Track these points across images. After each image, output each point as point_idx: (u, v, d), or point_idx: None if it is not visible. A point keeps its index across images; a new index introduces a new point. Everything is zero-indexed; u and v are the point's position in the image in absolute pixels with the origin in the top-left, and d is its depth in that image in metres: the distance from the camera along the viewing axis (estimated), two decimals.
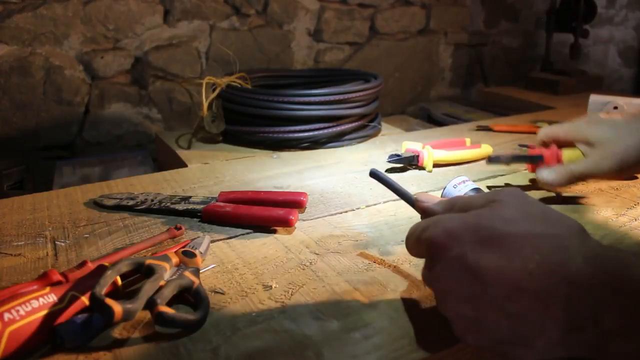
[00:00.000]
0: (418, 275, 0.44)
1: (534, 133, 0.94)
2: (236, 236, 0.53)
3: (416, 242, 0.37)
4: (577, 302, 0.29)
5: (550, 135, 0.62)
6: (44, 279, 0.39)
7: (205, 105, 0.88)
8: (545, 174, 0.57)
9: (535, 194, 0.63)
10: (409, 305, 0.40)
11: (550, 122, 0.97)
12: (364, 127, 0.92)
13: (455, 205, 0.38)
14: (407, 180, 0.70)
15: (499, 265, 0.31)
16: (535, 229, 0.32)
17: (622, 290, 0.28)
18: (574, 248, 0.30)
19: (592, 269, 0.29)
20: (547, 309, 0.29)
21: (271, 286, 0.43)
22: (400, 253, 0.48)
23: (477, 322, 0.32)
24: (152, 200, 0.60)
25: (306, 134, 0.85)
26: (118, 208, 0.59)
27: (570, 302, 0.29)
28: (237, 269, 0.46)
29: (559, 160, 0.60)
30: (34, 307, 0.34)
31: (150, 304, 0.37)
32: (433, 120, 1.30)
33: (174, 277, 0.40)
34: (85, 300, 0.37)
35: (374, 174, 0.47)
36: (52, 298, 0.35)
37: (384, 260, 0.47)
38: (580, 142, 0.58)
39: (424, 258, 0.37)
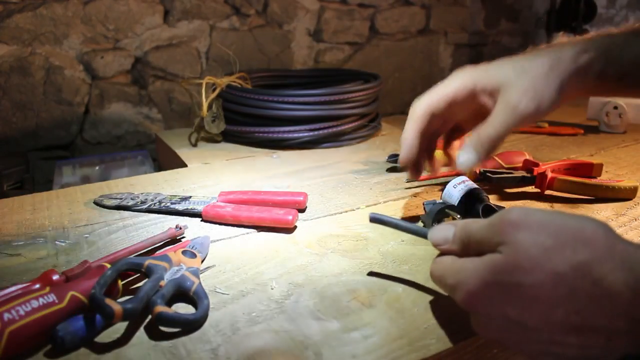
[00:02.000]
0: (418, 276, 0.44)
1: (535, 133, 0.94)
2: (236, 236, 0.53)
3: (445, 291, 0.36)
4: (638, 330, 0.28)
5: (434, 104, 0.49)
6: (44, 279, 0.39)
7: (205, 105, 0.88)
8: (465, 157, 0.46)
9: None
10: (409, 305, 0.40)
11: (550, 123, 0.97)
12: (364, 127, 0.92)
13: (469, 246, 0.35)
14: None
15: (543, 317, 0.29)
16: (558, 265, 0.29)
17: None
18: (613, 276, 0.28)
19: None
20: (609, 338, 0.29)
21: (271, 286, 0.43)
22: (400, 253, 0.48)
23: (546, 353, 0.31)
24: (152, 200, 0.60)
25: (306, 133, 0.85)
26: (118, 208, 0.59)
27: (635, 329, 0.28)
28: (237, 269, 0.46)
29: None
30: (34, 307, 0.34)
31: (150, 304, 0.37)
32: None
33: (174, 277, 0.40)
34: (85, 300, 0.37)
35: (374, 219, 0.43)
36: (52, 298, 0.35)
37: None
38: (481, 92, 0.47)
39: None
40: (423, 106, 0.49)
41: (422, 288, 0.42)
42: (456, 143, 0.56)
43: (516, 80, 0.45)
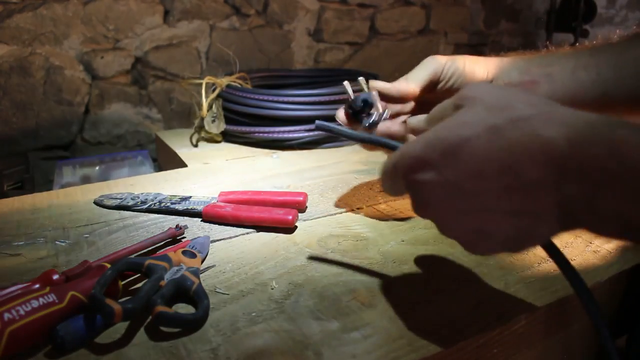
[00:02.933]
0: (418, 276, 0.44)
1: None
2: (236, 236, 0.53)
3: (391, 180, 0.36)
4: (568, 186, 0.28)
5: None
6: (44, 279, 0.39)
7: (205, 105, 0.88)
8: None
9: None
10: (409, 305, 0.40)
11: None
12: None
13: (434, 120, 0.36)
14: None
15: (477, 171, 0.30)
16: (497, 121, 0.30)
17: (618, 176, 0.26)
18: (552, 132, 0.28)
19: (580, 154, 0.27)
20: (538, 197, 0.29)
21: (271, 286, 0.43)
22: (400, 253, 0.48)
23: (480, 232, 0.31)
24: (152, 200, 0.60)
25: (306, 133, 0.85)
26: (118, 208, 0.59)
27: (560, 186, 0.28)
28: (237, 269, 0.46)
29: None
30: (34, 307, 0.34)
31: (150, 304, 0.37)
32: None
33: (174, 277, 0.40)
34: (85, 300, 0.37)
35: (320, 126, 0.44)
36: (52, 298, 0.35)
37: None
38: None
39: (403, 194, 0.36)
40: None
41: (423, 288, 0.42)
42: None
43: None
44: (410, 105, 0.56)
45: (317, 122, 0.44)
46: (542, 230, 0.30)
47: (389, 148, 0.41)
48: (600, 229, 0.29)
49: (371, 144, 0.43)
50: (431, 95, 0.53)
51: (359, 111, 0.52)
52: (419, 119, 0.41)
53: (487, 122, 0.30)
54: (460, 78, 0.51)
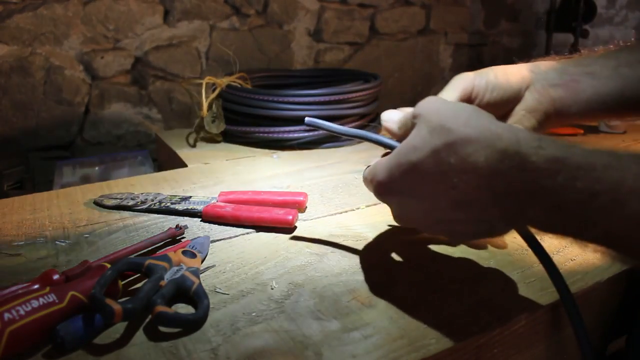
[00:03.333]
0: (418, 276, 0.44)
1: None
2: (236, 236, 0.53)
3: (368, 189, 0.42)
4: (502, 203, 0.33)
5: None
6: (44, 279, 0.39)
7: (205, 105, 0.88)
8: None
9: None
10: (409, 305, 0.40)
11: None
12: (364, 127, 0.92)
13: (402, 128, 0.41)
14: None
15: (431, 194, 0.35)
16: (437, 144, 0.34)
17: (534, 192, 0.31)
18: (478, 154, 0.32)
19: (501, 177, 0.32)
20: (484, 211, 0.34)
21: (271, 286, 0.43)
22: (400, 253, 0.48)
23: (450, 233, 0.38)
24: (152, 200, 0.60)
25: (306, 133, 0.85)
26: (118, 208, 0.59)
27: (497, 204, 0.33)
28: (237, 269, 0.46)
29: None
30: (34, 307, 0.34)
31: (150, 304, 0.37)
32: None
33: (174, 277, 0.40)
34: (85, 300, 0.37)
35: (310, 123, 0.45)
36: (52, 298, 0.35)
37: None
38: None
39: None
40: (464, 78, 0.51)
41: (423, 288, 0.42)
42: None
43: None
44: None
45: (307, 118, 0.45)
46: (499, 228, 0.36)
47: (380, 145, 0.43)
48: (544, 232, 0.34)
49: (363, 139, 0.45)
50: None
51: None
52: (393, 119, 0.43)
53: (430, 145, 0.34)
54: (496, 90, 0.48)
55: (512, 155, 0.31)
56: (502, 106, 0.48)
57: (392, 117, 0.42)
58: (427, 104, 0.37)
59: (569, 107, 0.47)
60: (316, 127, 0.45)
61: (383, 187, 0.38)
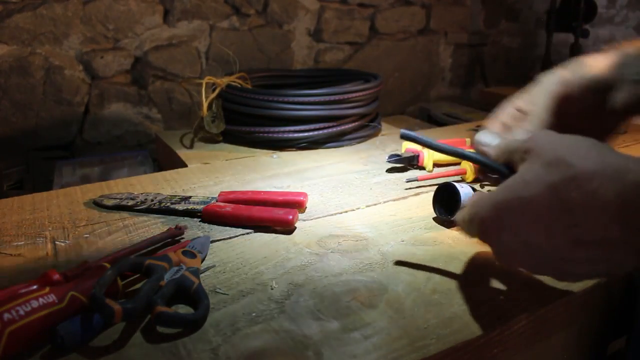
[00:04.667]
0: (418, 276, 0.44)
1: None
2: (236, 236, 0.52)
3: (468, 230, 0.38)
4: (636, 241, 0.29)
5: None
6: (44, 279, 0.39)
7: (205, 105, 0.88)
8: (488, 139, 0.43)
9: None
10: (409, 305, 0.40)
11: None
12: (364, 127, 0.92)
13: (504, 155, 0.38)
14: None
15: (547, 233, 0.32)
16: (553, 178, 0.31)
17: None
18: (607, 188, 0.29)
19: (636, 211, 0.29)
20: (608, 251, 0.30)
21: (271, 286, 0.43)
22: (400, 253, 0.48)
23: (562, 273, 0.34)
24: (152, 200, 0.60)
25: (306, 134, 0.85)
26: (118, 208, 0.59)
27: (630, 242, 0.29)
28: (237, 269, 0.46)
29: None
30: (34, 307, 0.34)
31: (150, 304, 0.37)
32: (433, 120, 1.30)
33: (174, 277, 0.40)
34: (85, 300, 0.37)
35: (405, 135, 0.43)
36: (52, 298, 0.35)
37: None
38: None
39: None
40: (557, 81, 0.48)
41: (422, 288, 0.42)
42: None
43: None
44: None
45: (402, 131, 0.43)
46: (625, 268, 0.32)
47: (486, 167, 0.41)
48: None
49: (464, 159, 0.42)
50: (561, 113, 0.47)
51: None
52: (490, 144, 0.40)
53: (546, 181, 0.31)
54: (589, 87, 0.45)
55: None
56: (591, 101, 0.46)
57: (489, 142, 0.40)
58: (540, 138, 0.35)
59: None
60: (412, 140, 0.43)
61: (489, 225, 0.35)
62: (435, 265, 0.46)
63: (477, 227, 0.36)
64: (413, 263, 0.46)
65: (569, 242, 0.31)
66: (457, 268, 0.46)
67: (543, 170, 0.32)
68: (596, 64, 0.46)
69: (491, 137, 0.40)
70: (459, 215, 0.39)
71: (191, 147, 0.89)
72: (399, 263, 0.47)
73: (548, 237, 0.32)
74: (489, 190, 0.48)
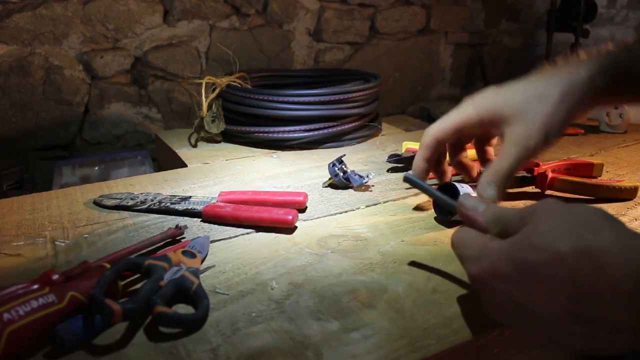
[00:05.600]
0: (418, 276, 0.44)
1: None
2: (236, 236, 0.52)
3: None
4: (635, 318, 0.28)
5: (441, 134, 0.51)
6: (43, 279, 0.39)
7: (205, 105, 0.88)
8: (490, 194, 0.45)
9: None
10: (409, 305, 0.40)
11: None
12: (364, 127, 0.91)
13: (496, 224, 0.36)
14: None
15: (547, 301, 0.30)
16: (563, 248, 0.29)
17: None
18: (618, 267, 0.28)
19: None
20: (613, 330, 0.29)
21: (271, 286, 0.43)
22: (400, 253, 0.48)
23: (550, 341, 0.32)
24: (152, 200, 0.60)
25: (306, 134, 0.85)
26: (118, 208, 0.59)
27: (631, 327, 0.28)
28: (237, 269, 0.46)
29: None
30: (34, 307, 0.34)
31: (150, 304, 0.36)
32: (433, 120, 1.29)
33: (173, 277, 0.40)
34: (85, 300, 0.37)
35: (407, 179, 0.48)
36: (52, 298, 0.35)
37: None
38: (488, 125, 0.47)
39: None
40: (431, 135, 0.52)
41: (422, 288, 0.42)
42: (464, 154, 0.56)
43: (526, 113, 0.45)
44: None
45: (406, 175, 0.49)
46: (618, 349, 0.30)
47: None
48: None
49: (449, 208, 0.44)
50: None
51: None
52: (476, 209, 0.39)
53: (554, 248, 0.30)
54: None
55: None
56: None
57: (475, 206, 0.39)
58: (546, 204, 0.33)
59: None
60: (413, 185, 0.48)
61: (485, 276, 0.34)
62: (435, 265, 0.46)
63: (475, 272, 0.35)
64: (413, 263, 0.46)
65: (568, 314, 0.29)
66: (457, 268, 0.46)
67: (551, 236, 0.30)
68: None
69: (476, 202, 0.39)
70: (458, 239, 0.38)
71: (191, 147, 0.89)
72: (399, 263, 0.47)
73: (547, 304, 0.30)
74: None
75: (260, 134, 0.86)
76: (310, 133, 0.85)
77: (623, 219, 0.56)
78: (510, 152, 0.45)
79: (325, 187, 0.67)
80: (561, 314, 0.30)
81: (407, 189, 0.66)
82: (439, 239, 0.51)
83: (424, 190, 0.47)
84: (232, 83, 0.91)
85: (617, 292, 0.28)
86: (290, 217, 0.53)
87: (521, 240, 0.32)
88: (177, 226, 0.51)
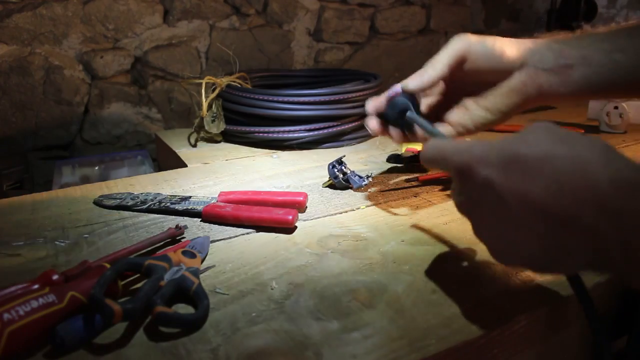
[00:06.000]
0: (418, 276, 0.44)
1: None
2: (236, 236, 0.52)
3: (441, 162, 0.38)
4: (605, 226, 0.28)
5: (423, 84, 0.53)
6: (43, 279, 0.39)
7: (205, 105, 0.88)
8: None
9: None
10: (409, 305, 0.40)
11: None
12: (364, 127, 0.91)
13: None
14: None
15: (523, 186, 0.31)
16: (555, 150, 0.31)
17: None
18: (599, 171, 0.29)
19: (621, 194, 0.28)
20: (573, 232, 0.30)
21: (271, 286, 0.43)
22: (400, 253, 0.48)
23: (510, 244, 0.33)
24: (152, 200, 0.60)
25: (306, 133, 0.85)
26: (118, 208, 0.59)
27: (597, 226, 0.28)
28: (237, 269, 0.46)
29: None
30: (34, 307, 0.34)
31: (150, 304, 0.36)
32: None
33: (173, 277, 0.40)
34: (85, 300, 0.37)
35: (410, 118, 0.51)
36: (52, 298, 0.35)
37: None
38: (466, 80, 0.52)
39: (443, 172, 0.40)
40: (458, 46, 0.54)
41: (422, 288, 0.42)
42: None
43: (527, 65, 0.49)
44: (440, 86, 0.57)
45: (409, 113, 0.51)
46: (570, 262, 0.31)
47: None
48: (631, 277, 0.29)
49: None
50: (460, 74, 0.53)
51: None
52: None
53: (547, 146, 0.31)
54: (489, 59, 0.51)
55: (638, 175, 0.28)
56: (489, 76, 0.51)
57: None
58: (541, 123, 0.35)
59: (556, 91, 0.48)
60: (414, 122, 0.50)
61: (472, 162, 0.34)
62: (435, 265, 0.46)
63: (468, 159, 0.35)
64: (412, 263, 0.46)
65: (542, 211, 0.30)
66: (457, 268, 0.46)
67: (545, 140, 0.32)
68: (506, 45, 0.51)
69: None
70: (431, 149, 0.39)
71: (191, 147, 0.89)
72: (399, 263, 0.47)
73: (523, 195, 0.31)
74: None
75: (260, 134, 0.86)
76: (310, 133, 0.85)
77: None
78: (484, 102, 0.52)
79: (325, 187, 0.67)
80: (533, 210, 0.30)
81: (406, 188, 0.66)
82: (439, 239, 0.51)
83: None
84: (232, 83, 0.91)
85: (596, 194, 0.28)
86: (290, 217, 0.53)
87: (516, 137, 0.33)
88: (177, 226, 0.51)
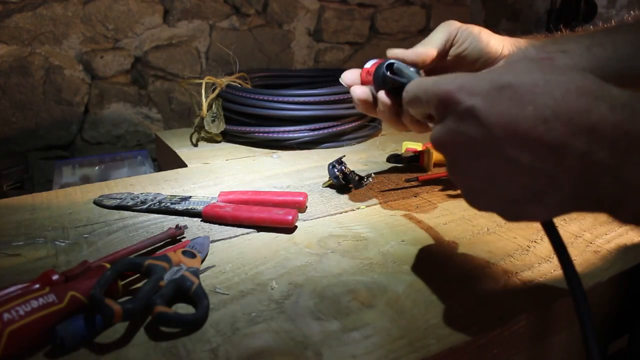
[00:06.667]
0: (418, 276, 0.44)
1: None
2: (236, 236, 0.52)
3: (423, 97, 0.36)
4: (597, 153, 0.27)
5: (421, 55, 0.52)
6: (43, 279, 0.39)
7: (205, 105, 0.88)
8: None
9: None
10: (409, 305, 0.40)
11: None
12: (364, 127, 0.91)
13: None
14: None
15: (511, 114, 0.29)
16: (547, 77, 0.29)
17: None
18: (596, 97, 0.28)
19: (619, 118, 0.27)
20: (562, 160, 0.28)
21: (271, 286, 0.43)
22: (400, 253, 0.48)
23: (489, 180, 0.31)
24: (152, 200, 0.60)
25: (306, 133, 0.85)
26: (118, 208, 0.59)
27: (589, 153, 0.27)
28: (237, 269, 0.46)
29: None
30: (34, 307, 0.34)
31: (150, 304, 0.36)
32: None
33: (173, 277, 0.40)
34: (85, 300, 0.37)
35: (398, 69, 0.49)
36: (52, 298, 0.35)
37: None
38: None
39: (425, 117, 0.38)
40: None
41: (422, 288, 0.42)
42: None
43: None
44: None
45: (396, 63, 0.50)
46: (549, 199, 0.29)
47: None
48: (619, 207, 0.28)
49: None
50: (443, 61, 0.54)
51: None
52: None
53: (537, 75, 0.30)
54: (474, 45, 0.52)
55: (633, 97, 0.27)
56: (473, 64, 0.52)
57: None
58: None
59: None
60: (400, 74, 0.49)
61: (463, 88, 0.32)
62: (435, 265, 0.46)
63: (452, 87, 0.33)
64: (412, 263, 0.46)
65: (527, 138, 0.29)
66: (457, 268, 0.46)
67: (531, 64, 0.31)
68: (491, 36, 0.52)
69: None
70: (414, 87, 0.38)
71: (191, 147, 0.89)
72: (399, 263, 0.47)
73: (510, 125, 0.30)
74: None
75: (260, 134, 0.86)
76: (310, 133, 0.85)
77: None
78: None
79: (325, 187, 0.67)
80: (519, 138, 0.29)
81: (406, 188, 0.66)
82: (439, 239, 0.51)
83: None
84: (232, 83, 0.91)
85: (593, 120, 0.27)
86: (290, 217, 0.53)
87: (502, 67, 0.33)
88: (177, 226, 0.51)
